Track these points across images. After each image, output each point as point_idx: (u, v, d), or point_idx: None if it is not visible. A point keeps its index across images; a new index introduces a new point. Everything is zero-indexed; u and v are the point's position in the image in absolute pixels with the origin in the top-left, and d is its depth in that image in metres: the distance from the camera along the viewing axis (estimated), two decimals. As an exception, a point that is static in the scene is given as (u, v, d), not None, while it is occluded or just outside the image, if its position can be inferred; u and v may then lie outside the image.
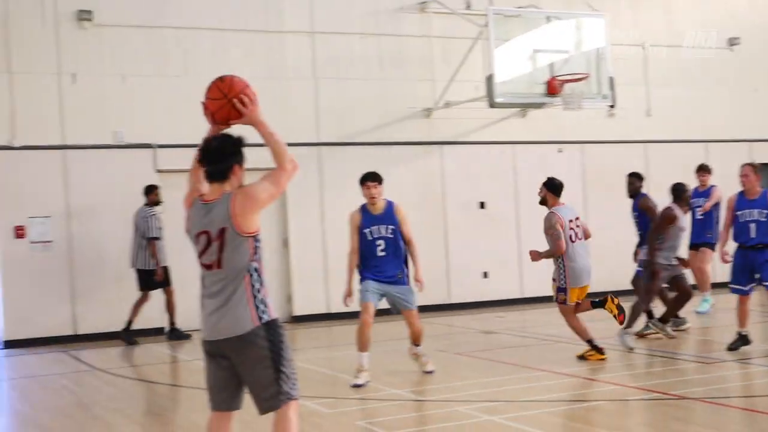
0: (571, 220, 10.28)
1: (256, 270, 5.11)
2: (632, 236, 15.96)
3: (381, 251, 9.44)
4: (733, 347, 10.24)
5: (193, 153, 5.28)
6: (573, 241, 10.23)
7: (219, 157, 5.13)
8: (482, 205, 16.38)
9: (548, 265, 10.61)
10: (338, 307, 15.24)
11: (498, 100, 14.81)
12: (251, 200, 5.06)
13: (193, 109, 15.27)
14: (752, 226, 10.23)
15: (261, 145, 5.23)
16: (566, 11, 16.33)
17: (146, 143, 14.49)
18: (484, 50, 15.15)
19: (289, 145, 15.51)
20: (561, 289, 10.22)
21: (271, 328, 5.05)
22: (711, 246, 13.66)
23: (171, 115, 14.65)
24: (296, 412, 5.15)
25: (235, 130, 5.31)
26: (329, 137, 15.65)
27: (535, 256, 10.26)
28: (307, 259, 15.36)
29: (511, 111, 16.61)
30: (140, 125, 14.46)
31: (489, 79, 14.74)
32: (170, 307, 13.84)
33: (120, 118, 14.39)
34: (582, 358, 10.20)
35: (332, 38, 15.81)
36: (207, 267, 5.10)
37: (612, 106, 16.27)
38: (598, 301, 10.32)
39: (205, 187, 5.25)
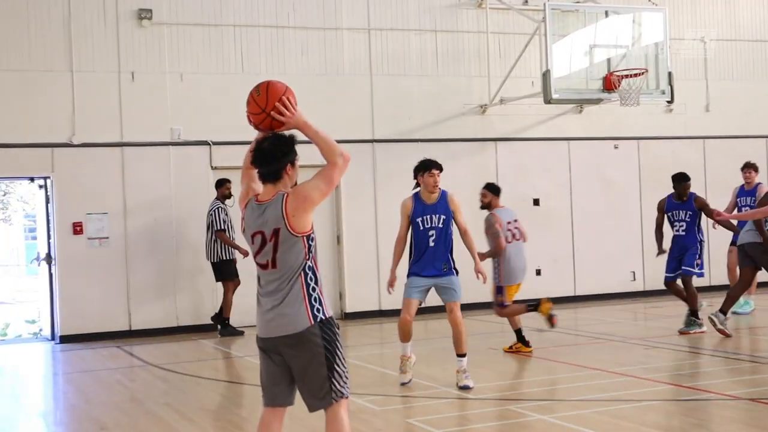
0: (509, 222, 10.90)
1: (311, 269, 5.14)
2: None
3: (432, 242, 9.28)
4: None
5: (247, 149, 5.33)
6: (509, 242, 10.78)
7: (271, 158, 5.16)
8: (536, 201, 16.30)
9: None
10: (390, 304, 15.32)
11: (554, 96, 14.72)
12: (303, 200, 5.10)
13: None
14: None
15: (309, 143, 5.25)
16: (625, 5, 16.18)
17: (203, 140, 14.67)
18: (540, 46, 15.07)
19: (344, 141, 15.63)
20: (498, 289, 10.77)
21: (326, 326, 5.09)
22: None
23: (227, 113, 14.76)
24: (347, 410, 5.20)
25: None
26: (384, 134, 15.69)
27: (481, 256, 9.95)
28: (360, 256, 15.43)
29: (567, 107, 16.50)
30: (197, 122, 14.64)
31: (545, 75, 14.66)
32: (226, 302, 13.97)
33: (177, 116, 14.58)
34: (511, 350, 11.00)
35: (388, 34, 15.85)
36: (262, 266, 5.16)
37: (670, 102, 16.05)
38: (532, 304, 10.88)
39: (260, 186, 5.30)
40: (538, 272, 16.32)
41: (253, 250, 5.21)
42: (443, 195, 9.34)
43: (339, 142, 15.51)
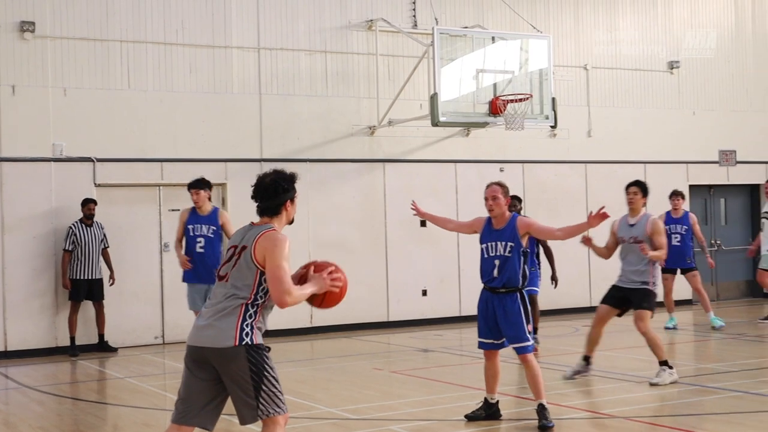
0: None
1: (255, 305, 5.36)
2: (568, 254, 16.20)
3: (200, 248, 11.29)
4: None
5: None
6: None
7: (272, 193, 5.49)
8: (423, 223, 16.47)
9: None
10: (276, 325, 15.26)
11: (441, 119, 14.90)
12: (270, 252, 5.32)
13: (135, 122, 15.34)
14: None
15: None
16: (511, 32, 16.54)
17: (86, 157, 14.36)
18: (429, 69, 15.27)
19: (232, 160, 15.63)
20: None
21: (252, 349, 5.29)
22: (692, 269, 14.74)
23: (112, 129, 14.56)
24: (281, 427, 5.42)
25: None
26: (273, 153, 15.63)
27: None
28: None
29: (455, 130, 16.74)
30: (80, 139, 14.33)
31: (433, 98, 14.85)
32: (99, 319, 13.94)
33: (60, 131, 14.24)
34: None
35: (278, 54, 15.83)
36: (219, 278, 5.46)
37: (553, 127, 16.47)
38: None
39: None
40: (425, 292, 16.49)
41: (222, 261, 5.53)
42: (215, 210, 11.41)
43: (227, 161, 15.52)
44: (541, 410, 7.98)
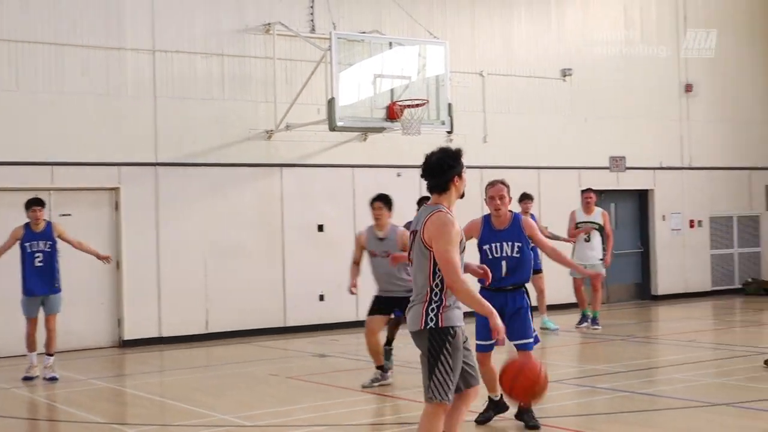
0: None
1: (437, 286, 5.67)
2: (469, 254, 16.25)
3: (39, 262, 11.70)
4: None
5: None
6: None
7: (439, 170, 5.81)
8: (321, 228, 16.47)
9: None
10: (171, 331, 15.08)
11: (339, 123, 14.90)
12: (435, 236, 5.64)
13: (25, 125, 14.93)
14: None
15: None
16: (408, 38, 16.65)
17: (-27, 159, 13.94)
18: (326, 74, 15.26)
19: (126, 164, 15.28)
20: None
21: (435, 333, 5.64)
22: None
23: (1, 131, 14.15)
24: (437, 416, 5.69)
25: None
26: (168, 157, 15.41)
27: None
28: (141, 282, 15.02)
29: (352, 134, 16.76)
30: (-33, 141, 13.91)
31: (330, 103, 14.85)
32: None
33: (-55, 133, 13.80)
34: None
35: (174, 56, 15.62)
36: (411, 262, 5.86)
37: (450, 132, 16.61)
38: None
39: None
40: (322, 297, 16.48)
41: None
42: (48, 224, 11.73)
43: (120, 164, 15.24)
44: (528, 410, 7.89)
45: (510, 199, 8.14)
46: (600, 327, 15.05)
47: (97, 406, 9.79)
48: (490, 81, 18.62)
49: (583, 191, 15.88)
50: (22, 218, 13.88)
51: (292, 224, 16.28)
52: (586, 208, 15.45)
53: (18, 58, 14.38)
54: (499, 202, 8.04)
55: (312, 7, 16.74)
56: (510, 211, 8.16)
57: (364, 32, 16.51)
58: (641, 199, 20.60)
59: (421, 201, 11.53)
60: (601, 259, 15.28)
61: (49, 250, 11.58)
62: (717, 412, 8.52)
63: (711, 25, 21.15)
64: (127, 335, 14.89)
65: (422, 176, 5.86)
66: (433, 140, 17.22)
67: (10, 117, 14.25)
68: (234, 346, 14.60)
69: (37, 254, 11.54)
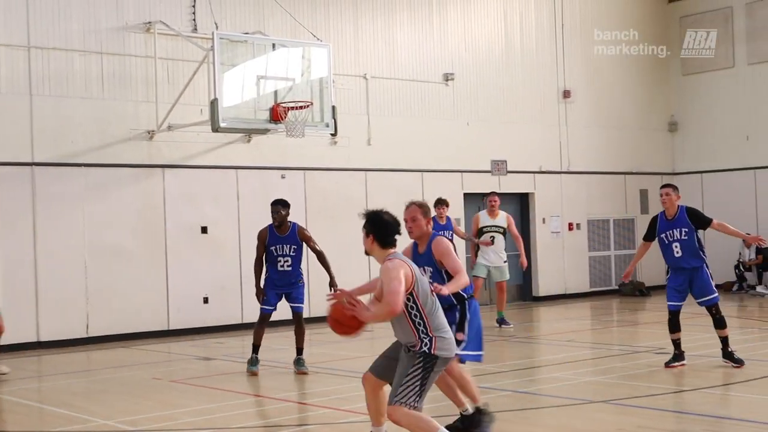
0: None
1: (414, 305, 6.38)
2: (350, 261, 16.45)
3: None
4: None
5: None
6: None
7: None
8: (204, 229, 16.27)
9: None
10: (49, 336, 14.66)
11: (222, 124, 14.73)
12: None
13: None
14: None
15: None
16: (292, 39, 16.61)
17: None
18: (209, 74, 15.08)
19: (0, 164, 14.64)
20: None
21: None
22: None
23: None
24: (402, 414, 6.27)
25: None
26: (45, 157, 14.98)
27: None
28: (16, 286, 14.54)
29: (236, 136, 16.63)
30: None
31: (213, 104, 14.67)
32: None
33: None
34: None
35: (50, 53, 15.19)
36: None
37: (334, 134, 16.65)
38: None
39: None
40: (206, 300, 16.28)
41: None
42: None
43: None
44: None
45: (428, 220, 7.57)
46: (511, 325, 15.68)
47: None
48: (373, 84, 18.73)
49: (487, 195, 16.12)
50: None
51: (175, 226, 16.03)
52: (491, 212, 15.69)
53: None
54: (411, 224, 7.51)
55: (194, 6, 16.55)
56: (431, 231, 7.60)
57: (247, 33, 16.39)
58: (522, 202, 21.04)
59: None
60: (506, 262, 15.71)
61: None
62: (595, 410, 8.76)
63: (587, 31, 21.77)
64: (2, 340, 14.35)
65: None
66: (317, 142, 17.36)
67: None
68: (115, 350, 14.29)
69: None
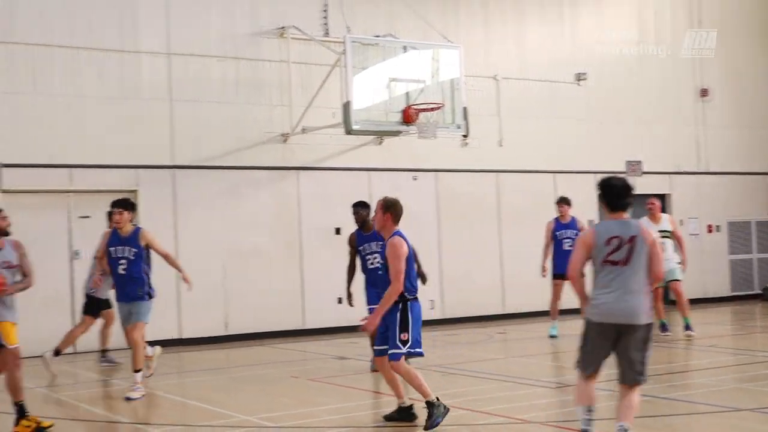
0: None
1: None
2: (482, 262, 16.37)
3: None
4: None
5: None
6: None
7: (625, 194, 6.99)
8: (338, 230, 16.43)
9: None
10: (190, 333, 15.07)
11: (354, 127, 14.90)
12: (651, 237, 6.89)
13: (43, 127, 14.96)
14: None
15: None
16: (422, 41, 16.63)
17: (-9, 162, 13.96)
18: (341, 77, 15.25)
19: (142, 167, 15.27)
20: None
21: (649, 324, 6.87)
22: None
23: (18, 134, 14.19)
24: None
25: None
26: (184, 160, 15.43)
27: None
28: (158, 284, 14.93)
29: (368, 138, 16.77)
30: (-15, 143, 13.93)
31: (346, 106, 14.84)
32: None
33: (-37, 136, 13.83)
34: None
35: (189, 60, 15.64)
36: (613, 263, 6.73)
37: (465, 136, 16.61)
38: None
39: None
40: (340, 300, 16.41)
41: (609, 250, 6.80)
42: (136, 230, 10.55)
43: (138, 167, 15.15)
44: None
45: (388, 216, 8.41)
46: (693, 332, 14.45)
47: (120, 406, 9.77)
48: (504, 85, 18.60)
49: (647, 200, 14.50)
50: (42, 221, 13.90)
51: (309, 227, 16.28)
52: (653, 216, 14.20)
53: (35, 61, 14.42)
54: (374, 217, 8.66)
55: (326, 10, 16.76)
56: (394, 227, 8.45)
57: (378, 36, 16.49)
58: (658, 203, 20.48)
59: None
60: (679, 263, 14.39)
61: (133, 257, 10.50)
62: (741, 418, 8.43)
63: (726, 27, 21.09)
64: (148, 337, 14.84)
65: (605, 197, 7.08)
66: (448, 144, 17.33)
67: (28, 119, 14.28)
68: (253, 348, 14.58)
69: (120, 261, 10.49)
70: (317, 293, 16.19)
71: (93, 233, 12.50)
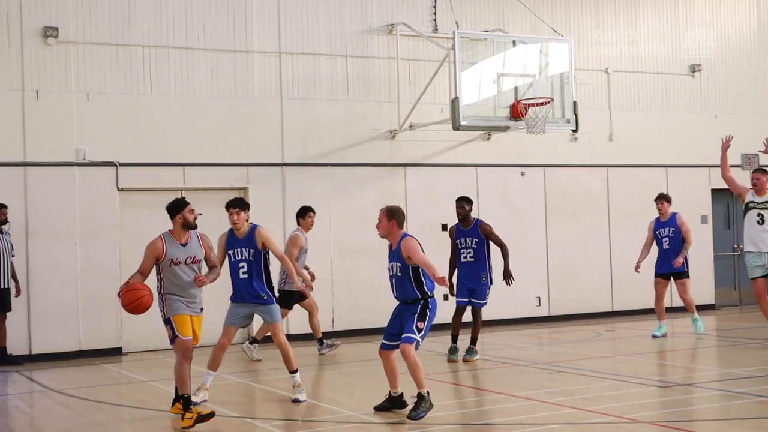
0: None
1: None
2: (590, 259, 16.17)
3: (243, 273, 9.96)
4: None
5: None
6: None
7: None
8: (444, 227, 16.41)
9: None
10: (296, 329, 15.28)
11: (462, 123, 14.86)
12: None
13: (158, 127, 15.39)
14: None
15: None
16: (532, 36, 16.51)
17: (109, 161, 14.43)
18: (449, 73, 15.24)
19: (254, 164, 15.58)
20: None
21: None
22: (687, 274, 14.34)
23: (135, 134, 14.64)
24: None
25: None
26: (294, 157, 15.68)
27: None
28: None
29: (476, 134, 16.72)
30: (103, 143, 14.41)
31: (454, 102, 14.82)
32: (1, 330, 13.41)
33: (83, 136, 14.33)
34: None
35: (299, 58, 15.87)
36: None
37: (575, 131, 16.39)
38: None
39: None
40: (446, 297, 16.43)
41: None
42: (252, 229, 10.03)
43: (248, 165, 15.45)
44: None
45: (393, 222, 8.93)
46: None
47: (230, 401, 10.00)
48: (615, 78, 18.32)
49: (753, 172, 13.28)
50: (156, 218, 14.31)
51: (416, 223, 16.28)
52: (760, 190, 12.73)
53: (151, 63, 14.84)
54: (378, 225, 9.05)
55: (434, 6, 16.78)
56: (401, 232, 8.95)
57: (486, 31, 16.47)
58: (775, 197, 19.86)
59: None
60: None
61: (252, 258, 9.99)
62: None
63: None
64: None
65: None
66: (557, 139, 17.17)
67: (143, 119, 14.72)
68: (359, 345, 14.72)
69: (240, 264, 9.99)
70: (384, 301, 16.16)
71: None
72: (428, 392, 8.65)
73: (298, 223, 13.32)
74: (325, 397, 9.91)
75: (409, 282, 8.74)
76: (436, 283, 8.65)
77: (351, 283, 15.80)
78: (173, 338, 8.63)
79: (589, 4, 18.17)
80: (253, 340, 13.27)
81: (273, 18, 15.68)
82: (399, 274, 8.77)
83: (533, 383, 10.43)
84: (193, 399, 8.93)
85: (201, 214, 14.61)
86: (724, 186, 18.72)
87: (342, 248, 15.77)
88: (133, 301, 8.41)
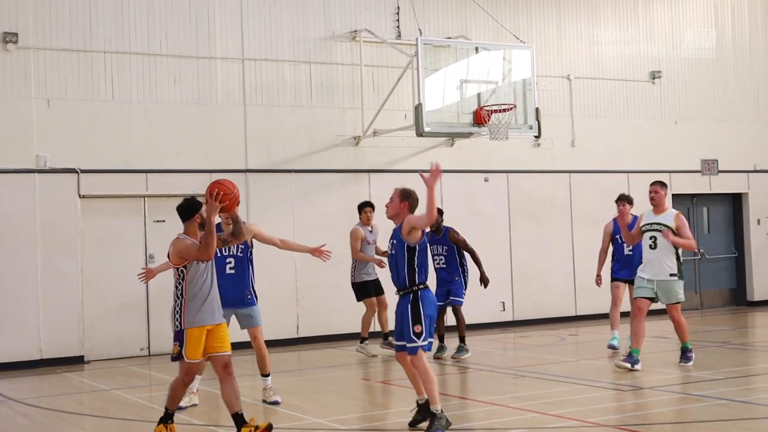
0: None
1: None
2: (554, 263, 16.26)
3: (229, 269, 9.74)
4: None
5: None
6: None
7: None
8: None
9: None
10: (265, 335, 15.20)
11: (426, 129, 14.92)
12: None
13: (120, 133, 15.28)
14: None
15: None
16: (494, 42, 16.60)
17: (70, 168, 14.30)
18: (413, 79, 15.29)
19: (217, 171, 15.52)
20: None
21: None
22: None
23: (97, 140, 14.53)
24: None
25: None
26: (257, 164, 15.63)
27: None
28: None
29: (439, 140, 16.79)
30: (64, 150, 14.28)
31: (417, 109, 14.87)
32: None
33: (44, 143, 14.19)
34: None
35: (262, 65, 15.83)
36: None
37: (537, 137, 16.51)
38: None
39: None
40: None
41: None
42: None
43: (212, 171, 15.40)
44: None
45: (405, 204, 8.38)
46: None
47: (193, 409, 9.93)
48: (577, 84, 18.45)
49: (652, 184, 12.33)
50: (118, 225, 14.22)
51: (382, 229, 16.27)
52: (658, 204, 12.22)
53: (113, 69, 14.74)
54: (388, 204, 8.54)
55: (398, 13, 16.82)
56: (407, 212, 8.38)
57: (449, 38, 16.55)
58: (735, 202, 20.14)
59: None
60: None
61: (241, 255, 9.91)
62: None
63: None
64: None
65: None
66: (520, 145, 17.26)
67: (106, 126, 14.61)
68: (323, 351, 14.70)
69: (228, 260, 9.86)
70: (390, 296, 16.19)
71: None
72: (441, 409, 8.06)
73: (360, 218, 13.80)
74: (290, 404, 9.88)
75: (402, 261, 8.10)
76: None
77: (315, 290, 15.77)
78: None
79: (550, 12, 18.31)
80: (363, 339, 13.63)
81: (236, 24, 15.64)
82: (393, 252, 8.27)
83: (498, 388, 10.48)
84: (180, 404, 8.85)
85: (164, 221, 14.68)
86: (686, 191, 19.05)
87: (306, 255, 15.68)
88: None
